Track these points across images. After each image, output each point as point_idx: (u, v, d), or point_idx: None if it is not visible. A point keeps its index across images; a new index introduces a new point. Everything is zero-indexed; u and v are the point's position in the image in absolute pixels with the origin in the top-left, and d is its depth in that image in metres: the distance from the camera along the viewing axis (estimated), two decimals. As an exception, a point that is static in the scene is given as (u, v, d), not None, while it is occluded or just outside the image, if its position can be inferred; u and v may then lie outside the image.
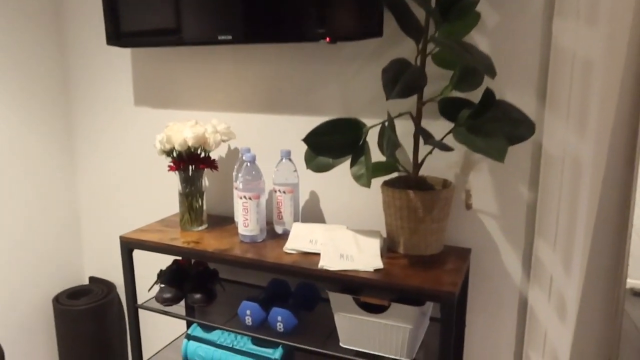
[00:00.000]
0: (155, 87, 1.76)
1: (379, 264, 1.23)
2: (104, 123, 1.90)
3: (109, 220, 1.99)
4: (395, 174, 1.40)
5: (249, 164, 1.39)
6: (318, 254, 1.30)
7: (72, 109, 1.96)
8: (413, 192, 1.23)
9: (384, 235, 1.38)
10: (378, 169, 1.33)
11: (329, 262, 1.24)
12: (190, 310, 1.75)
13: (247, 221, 1.40)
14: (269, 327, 1.39)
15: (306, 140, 1.16)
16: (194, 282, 1.55)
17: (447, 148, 1.14)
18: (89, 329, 1.87)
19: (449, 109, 1.23)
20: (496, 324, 1.42)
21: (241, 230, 1.42)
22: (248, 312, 1.40)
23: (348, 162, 1.23)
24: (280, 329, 1.37)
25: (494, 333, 1.43)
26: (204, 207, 1.56)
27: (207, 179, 1.73)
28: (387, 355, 1.25)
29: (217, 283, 1.61)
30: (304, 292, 1.52)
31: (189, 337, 1.57)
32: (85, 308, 1.85)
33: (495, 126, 1.15)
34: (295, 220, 1.48)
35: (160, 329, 1.93)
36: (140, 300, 1.55)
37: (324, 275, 1.23)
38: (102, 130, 1.91)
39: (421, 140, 1.28)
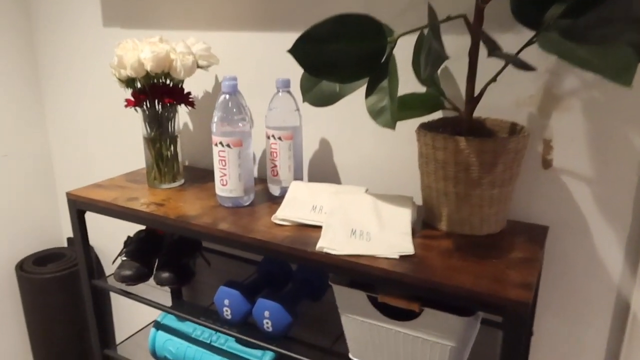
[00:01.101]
0: (127, 1, 1.35)
1: (408, 247, 0.82)
2: (70, 50, 1.51)
3: (87, 170, 1.63)
4: (438, 113, 0.96)
5: (227, 96, 0.98)
6: (321, 227, 0.89)
7: (35, 37, 1.58)
8: (465, 140, 0.80)
9: (419, 203, 0.95)
10: (412, 105, 0.89)
11: (332, 243, 0.83)
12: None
13: (225, 177, 1.00)
14: (254, 323, 1.01)
15: (294, 51, 0.71)
16: (166, 256, 1.18)
17: (525, 66, 0.69)
18: (59, 300, 1.55)
19: (529, 6, 0.76)
20: (579, 334, 0.99)
21: (218, 190, 1.02)
22: (226, 302, 1.02)
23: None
24: (268, 327, 0.98)
25: (575, 346, 1.00)
26: (179, 156, 1.17)
27: (190, 121, 1.33)
28: (416, 379, 0.85)
29: (198, 256, 1.24)
30: (308, 274, 1.12)
31: (158, 326, 1.21)
32: (51, 277, 1.53)
33: (609, 29, 0.69)
34: (298, 177, 1.07)
35: (141, 306, 1.59)
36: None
37: (323, 261, 0.82)
38: (69, 60, 1.52)
39: (480, 63, 0.82)
